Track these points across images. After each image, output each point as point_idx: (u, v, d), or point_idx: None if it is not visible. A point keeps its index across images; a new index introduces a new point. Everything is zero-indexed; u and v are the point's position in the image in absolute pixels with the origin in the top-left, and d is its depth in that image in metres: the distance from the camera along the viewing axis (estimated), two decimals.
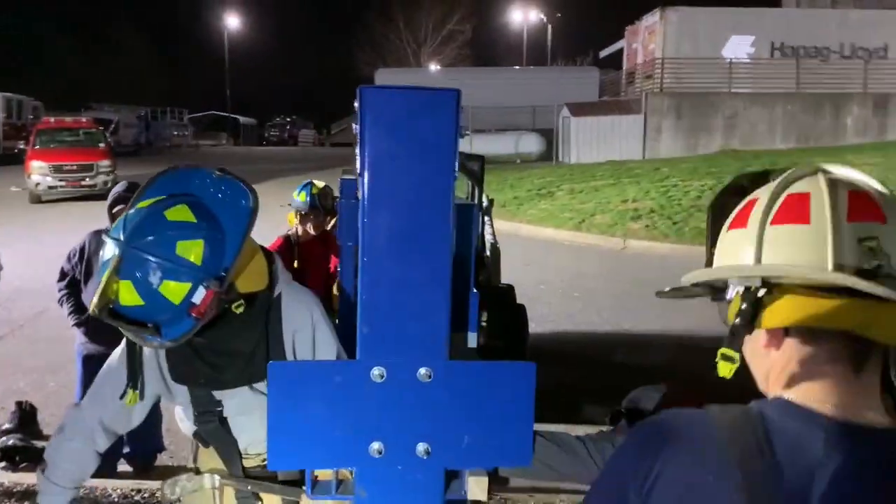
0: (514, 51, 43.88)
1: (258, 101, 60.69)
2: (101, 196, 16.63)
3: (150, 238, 1.59)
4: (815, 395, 0.98)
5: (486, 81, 28.44)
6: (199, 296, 1.60)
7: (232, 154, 35.32)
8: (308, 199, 4.75)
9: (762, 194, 1.06)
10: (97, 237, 4.29)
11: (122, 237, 1.60)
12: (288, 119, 55.66)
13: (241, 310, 1.77)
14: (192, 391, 1.90)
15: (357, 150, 1.16)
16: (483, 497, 1.19)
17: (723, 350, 1.03)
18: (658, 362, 6.07)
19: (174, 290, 1.60)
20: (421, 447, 1.15)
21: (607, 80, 30.54)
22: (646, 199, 14.21)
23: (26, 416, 4.73)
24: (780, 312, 1.00)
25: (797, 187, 1.03)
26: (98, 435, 1.95)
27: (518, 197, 16.09)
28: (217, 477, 1.95)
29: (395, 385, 1.13)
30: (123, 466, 4.41)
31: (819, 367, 0.98)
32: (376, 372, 1.13)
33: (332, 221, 4.87)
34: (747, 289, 1.03)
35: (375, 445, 1.14)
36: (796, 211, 1.01)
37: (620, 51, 29.29)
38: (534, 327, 5.67)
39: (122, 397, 1.83)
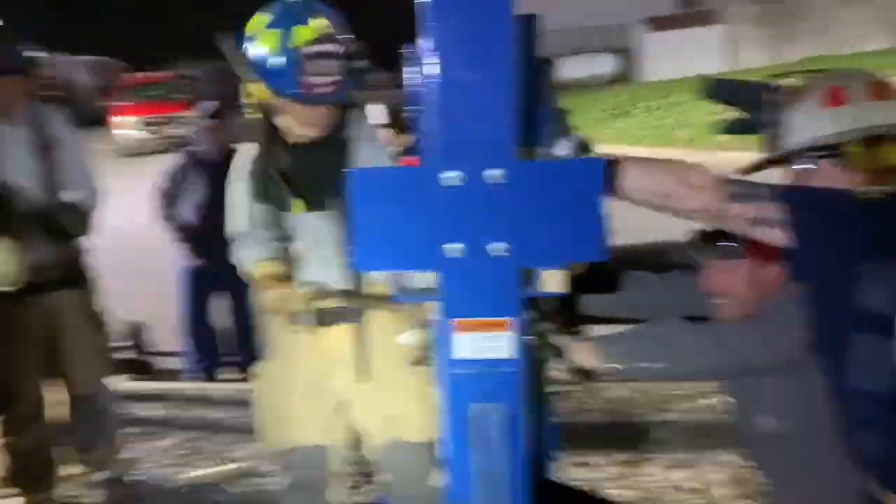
0: None
1: None
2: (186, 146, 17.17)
3: None
4: None
5: (553, 1, 27.45)
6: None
7: None
8: None
9: (848, 83, 1.63)
10: (191, 154, 4.50)
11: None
12: None
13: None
14: (269, 210, 2.12)
15: None
16: (559, 289, 1.24)
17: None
18: None
19: None
20: (498, 246, 1.19)
21: None
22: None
23: (135, 334, 5.10)
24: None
25: (871, 78, 1.64)
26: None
27: (592, 118, 15.69)
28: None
29: (467, 187, 1.18)
30: None
31: None
32: (448, 175, 1.18)
33: None
34: (868, 141, 1.54)
35: (453, 247, 1.20)
36: (880, 92, 1.59)
37: None
38: None
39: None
